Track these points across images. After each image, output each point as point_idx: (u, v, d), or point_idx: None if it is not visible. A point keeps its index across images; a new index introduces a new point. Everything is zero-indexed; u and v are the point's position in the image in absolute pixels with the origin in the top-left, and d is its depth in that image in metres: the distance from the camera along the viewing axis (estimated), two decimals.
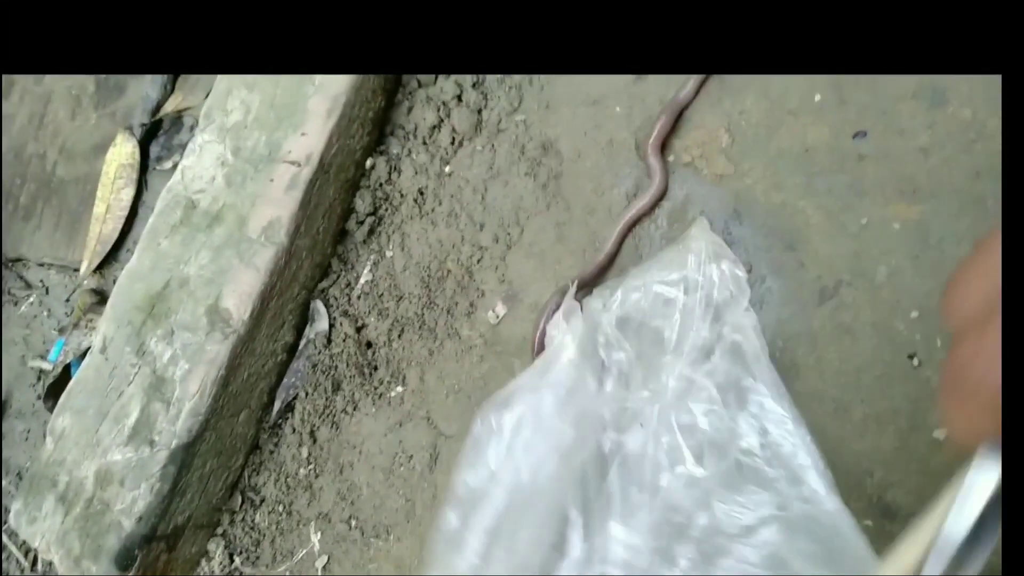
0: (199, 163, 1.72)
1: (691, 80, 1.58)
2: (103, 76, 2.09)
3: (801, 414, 1.28)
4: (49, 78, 2.13)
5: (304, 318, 1.76)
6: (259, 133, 1.69)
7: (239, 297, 1.60)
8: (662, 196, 1.59)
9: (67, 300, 1.91)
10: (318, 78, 1.68)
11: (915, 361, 1.36)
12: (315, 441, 1.68)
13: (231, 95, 1.74)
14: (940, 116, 1.41)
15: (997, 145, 1.37)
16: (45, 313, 1.92)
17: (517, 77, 1.75)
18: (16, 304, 1.94)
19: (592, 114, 1.69)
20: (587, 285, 1.57)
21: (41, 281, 1.94)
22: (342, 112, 1.66)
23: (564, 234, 1.67)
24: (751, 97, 1.56)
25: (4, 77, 2.15)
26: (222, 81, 1.75)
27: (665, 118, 1.57)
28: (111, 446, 1.54)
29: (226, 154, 1.70)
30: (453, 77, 1.77)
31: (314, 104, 1.66)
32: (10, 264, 1.96)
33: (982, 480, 0.45)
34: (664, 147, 1.60)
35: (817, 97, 1.50)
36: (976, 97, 1.39)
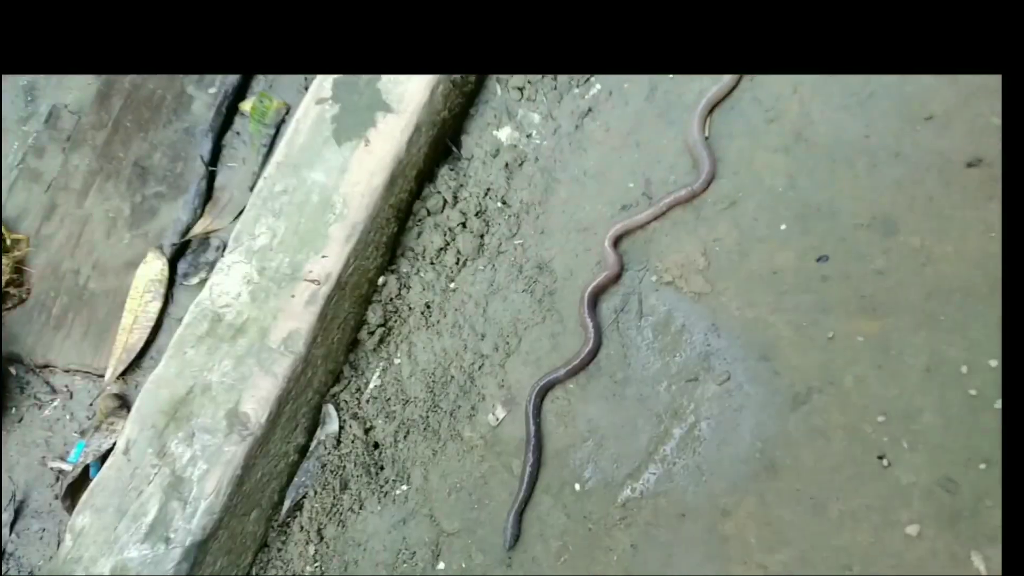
0: (227, 280, 1.89)
1: (650, 209, 1.80)
2: (139, 199, 2.29)
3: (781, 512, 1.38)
4: (89, 202, 2.34)
5: (316, 421, 1.87)
6: (283, 255, 1.87)
7: (257, 402, 1.72)
8: (618, 275, 1.79)
9: (90, 405, 2.03)
10: (339, 207, 1.88)
11: (885, 461, 1.47)
12: (322, 539, 1.75)
13: (259, 222, 1.93)
14: (893, 243, 1.60)
15: (945, 268, 1.55)
16: (68, 416, 2.03)
17: (516, 207, 1.95)
18: (40, 407, 2.05)
19: (582, 239, 1.88)
20: (575, 372, 1.74)
21: (66, 386, 2.06)
22: (359, 238, 1.85)
23: (559, 343, 1.81)
24: (723, 226, 1.75)
25: (48, 200, 2.36)
26: (250, 209, 1.94)
27: (619, 224, 1.80)
28: (128, 543, 1.62)
29: (252, 273, 1.87)
30: (459, 206, 1.98)
31: (335, 231, 1.85)
32: (38, 369, 2.09)
33: None
34: (618, 243, 1.81)
35: (783, 226, 1.70)
36: (923, 228, 1.59)
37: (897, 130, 1.66)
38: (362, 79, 1.98)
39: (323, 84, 2.01)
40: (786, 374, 1.59)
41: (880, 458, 1.47)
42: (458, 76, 1.99)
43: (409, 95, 1.94)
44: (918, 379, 1.49)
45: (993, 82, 1.60)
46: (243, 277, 1.89)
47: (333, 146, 1.94)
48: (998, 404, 1.43)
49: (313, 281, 1.82)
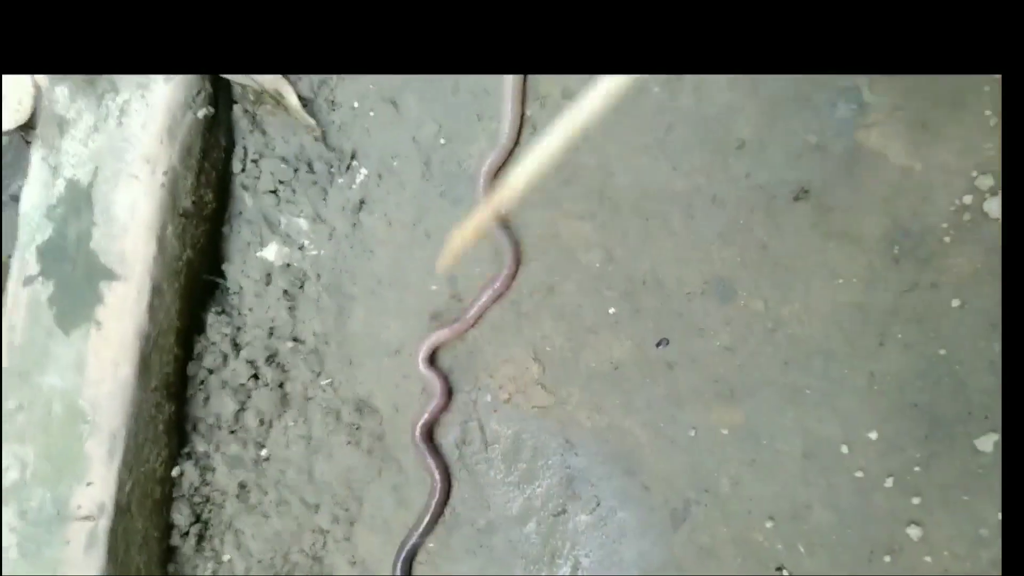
0: None
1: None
2: None
3: None
4: None
5: None
6: (42, 490, 1.49)
7: None
8: (447, 402, 1.52)
9: None
10: (89, 415, 1.50)
11: (784, 573, 1.30)
12: None
13: (1, 452, 1.53)
14: (733, 311, 1.37)
15: (796, 330, 1.34)
16: None
17: (311, 341, 1.61)
18: None
19: (397, 364, 1.57)
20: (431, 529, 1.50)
21: None
22: (124, 447, 1.49)
23: (404, 496, 1.54)
24: (547, 320, 1.48)
25: None
26: None
27: (429, 339, 1.52)
28: None
29: (13, 519, 1.50)
30: (242, 355, 1.62)
31: (92, 447, 1.49)
32: None
33: None
34: (434, 361, 1.54)
35: (611, 309, 1.44)
36: (763, 286, 1.36)
37: (707, 167, 1.39)
38: (69, 242, 1.55)
39: (25, 257, 1.58)
40: (657, 488, 1.38)
41: (779, 570, 1.30)
42: (188, 203, 1.58)
43: (131, 251, 1.53)
44: (797, 469, 1.30)
45: (791, 88, 1.34)
46: (5, 525, 1.51)
47: (61, 337, 1.54)
48: (888, 483, 1.26)
49: (85, 518, 1.47)
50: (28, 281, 1.56)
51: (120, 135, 1.55)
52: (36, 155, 1.60)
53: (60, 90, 1.60)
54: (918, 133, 1.28)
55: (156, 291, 1.54)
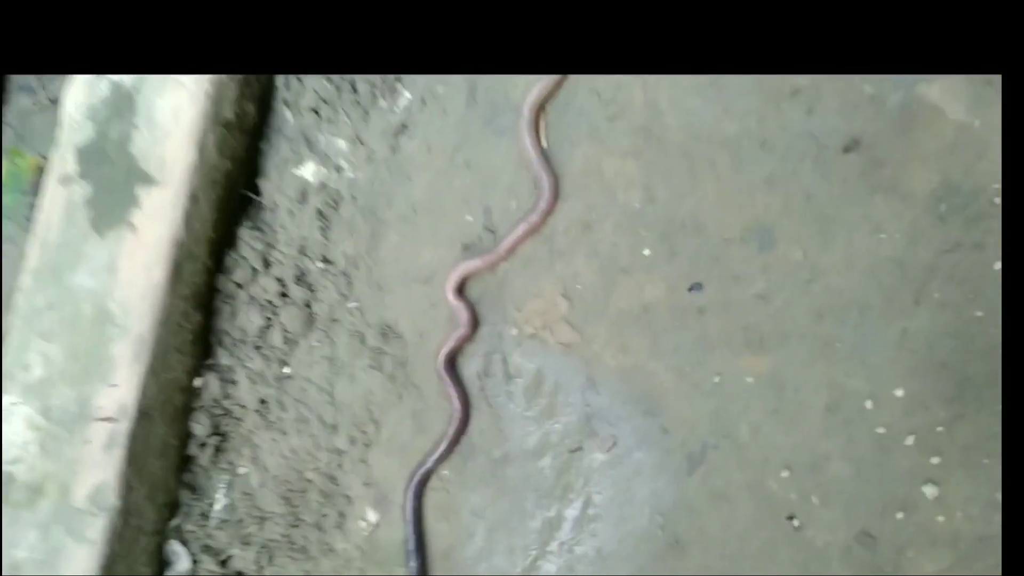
0: (9, 428, 1.53)
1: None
2: None
3: None
4: None
5: (160, 568, 1.59)
6: (67, 388, 1.51)
7: None
8: (472, 333, 1.53)
9: None
10: (119, 317, 1.51)
11: (795, 522, 1.31)
12: None
13: (28, 348, 1.54)
14: (772, 259, 1.36)
15: (833, 282, 1.33)
16: None
17: (341, 263, 1.62)
18: None
19: (426, 291, 1.58)
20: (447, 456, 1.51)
21: None
22: (151, 352, 1.50)
23: (423, 423, 1.55)
24: (580, 258, 1.47)
25: None
26: (14, 333, 1.56)
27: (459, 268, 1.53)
28: None
29: (35, 416, 1.52)
30: (272, 272, 1.63)
31: (119, 350, 1.50)
32: None
33: None
34: (462, 291, 1.54)
35: (646, 251, 1.43)
36: (803, 236, 1.34)
37: (759, 112, 1.37)
38: (110, 143, 1.56)
39: (64, 157, 1.58)
40: (676, 431, 1.38)
41: (790, 519, 1.30)
42: (230, 114, 1.58)
43: (171, 157, 1.54)
44: (819, 422, 1.30)
45: None
46: (27, 422, 1.53)
47: (95, 239, 1.55)
48: (909, 440, 1.26)
49: (107, 419, 1.49)
50: (66, 181, 1.57)
51: None
52: None
53: None
54: (982, 89, 1.26)
55: (193, 199, 1.54)
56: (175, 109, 1.54)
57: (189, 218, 1.54)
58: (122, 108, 1.56)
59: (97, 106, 1.58)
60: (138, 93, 1.56)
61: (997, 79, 1.27)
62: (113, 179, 1.55)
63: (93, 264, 1.54)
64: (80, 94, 1.59)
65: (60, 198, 1.57)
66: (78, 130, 1.58)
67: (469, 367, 1.54)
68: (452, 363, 1.54)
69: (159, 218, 1.53)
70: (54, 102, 1.86)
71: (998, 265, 1.25)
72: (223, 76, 1.55)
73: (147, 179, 1.54)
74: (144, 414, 1.51)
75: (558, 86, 1.50)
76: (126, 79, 1.56)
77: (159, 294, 1.52)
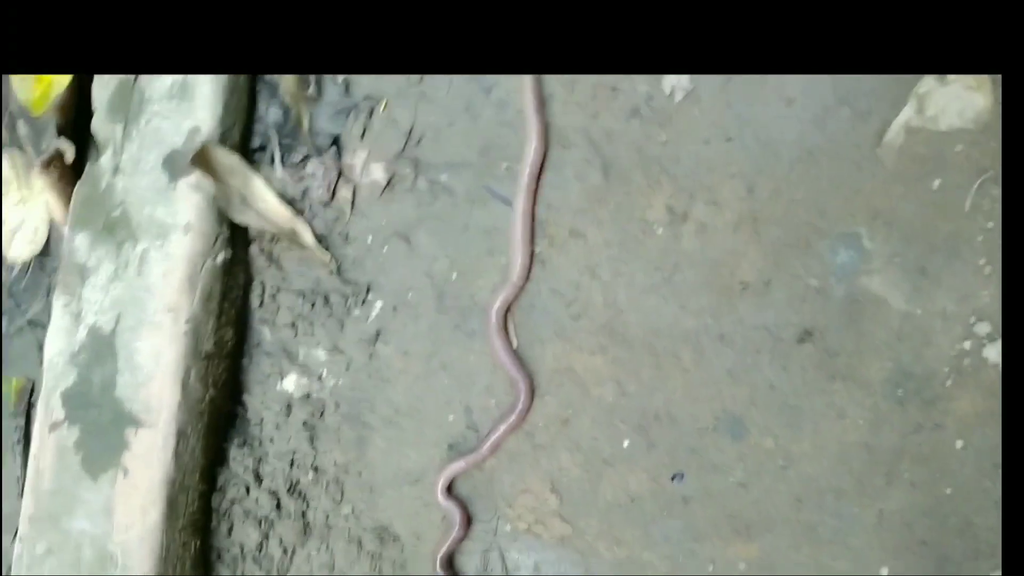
0: None
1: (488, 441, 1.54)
2: None
3: None
4: None
5: None
6: None
7: None
8: (467, 532, 1.57)
9: None
10: (119, 559, 1.53)
11: None
12: None
13: None
14: (746, 448, 1.41)
15: (806, 468, 1.38)
16: None
17: (332, 471, 1.65)
18: None
19: (417, 492, 1.61)
20: None
21: None
22: None
23: None
24: (563, 452, 1.52)
25: None
26: None
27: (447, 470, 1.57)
28: None
29: None
30: (264, 485, 1.66)
31: None
32: None
33: None
34: (451, 490, 1.58)
35: (626, 442, 1.48)
36: (772, 425, 1.40)
37: (714, 308, 1.44)
38: (94, 388, 1.59)
39: (50, 404, 1.62)
40: None
41: None
42: (210, 346, 1.62)
43: (156, 398, 1.57)
44: None
45: (793, 234, 1.39)
46: None
47: (88, 482, 1.58)
48: None
49: None
50: (54, 427, 1.60)
51: (141, 284, 1.59)
52: (58, 302, 1.64)
53: (80, 238, 1.64)
54: (918, 279, 1.33)
55: (181, 435, 1.58)
56: (155, 351, 1.58)
57: (179, 455, 1.58)
58: (102, 353, 1.60)
59: (77, 351, 1.61)
60: (116, 336, 1.60)
61: (930, 266, 1.33)
62: (101, 423, 1.59)
63: (90, 508, 1.57)
64: (60, 341, 1.63)
65: (50, 444, 1.60)
66: (61, 376, 1.62)
67: (468, 565, 1.57)
68: (451, 563, 1.57)
69: (150, 459, 1.56)
70: (32, 324, 1.90)
71: (959, 443, 1.31)
72: (198, 311, 1.59)
73: (135, 421, 1.57)
74: None
75: (520, 290, 1.55)
76: (103, 324, 1.60)
77: (157, 533, 1.55)
